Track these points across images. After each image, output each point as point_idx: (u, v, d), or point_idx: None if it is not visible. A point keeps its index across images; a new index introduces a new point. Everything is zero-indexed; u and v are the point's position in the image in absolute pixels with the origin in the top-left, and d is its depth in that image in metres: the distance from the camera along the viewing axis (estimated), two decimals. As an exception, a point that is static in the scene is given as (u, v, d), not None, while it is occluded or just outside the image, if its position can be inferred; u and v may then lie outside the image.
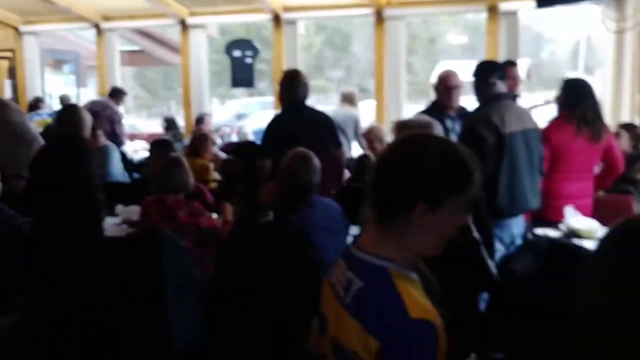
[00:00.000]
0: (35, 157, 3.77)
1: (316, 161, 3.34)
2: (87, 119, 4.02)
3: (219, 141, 8.69)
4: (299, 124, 4.16)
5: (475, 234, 2.86)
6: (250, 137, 7.89)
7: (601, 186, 4.42)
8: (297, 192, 3.31)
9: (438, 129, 2.81)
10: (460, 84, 4.23)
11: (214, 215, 4.28)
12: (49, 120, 8.85)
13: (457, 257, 2.59)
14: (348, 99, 7.26)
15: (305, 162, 3.30)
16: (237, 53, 8.32)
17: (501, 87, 3.73)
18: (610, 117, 6.45)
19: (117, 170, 6.56)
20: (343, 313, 1.44)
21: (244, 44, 8.49)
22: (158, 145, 5.08)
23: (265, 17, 8.18)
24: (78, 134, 3.91)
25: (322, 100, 28.49)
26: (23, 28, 9.19)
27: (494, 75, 3.70)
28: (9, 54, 9.20)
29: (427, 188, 1.39)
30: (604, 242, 1.08)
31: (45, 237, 3.62)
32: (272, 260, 3.23)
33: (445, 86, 4.22)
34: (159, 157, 4.62)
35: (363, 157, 5.20)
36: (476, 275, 2.72)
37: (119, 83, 9.00)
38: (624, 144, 5.15)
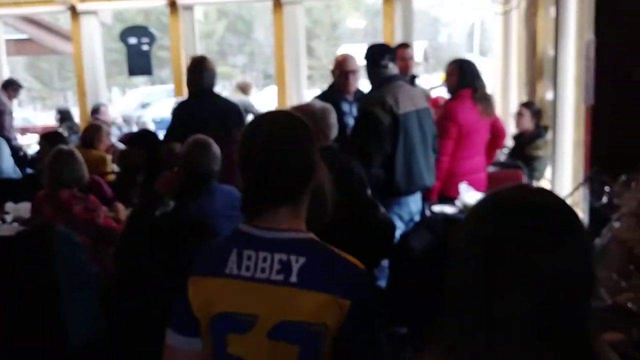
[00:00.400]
0: None
1: (215, 148, 3.29)
2: None
3: (116, 132, 8.41)
4: (206, 110, 4.10)
5: (369, 194, 2.95)
6: (151, 126, 7.67)
7: (490, 157, 4.63)
8: (197, 180, 3.26)
9: (333, 115, 2.84)
10: (356, 67, 4.28)
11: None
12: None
13: (356, 221, 2.65)
14: (241, 88, 7.28)
15: (205, 149, 3.25)
16: (132, 40, 8.04)
17: (393, 69, 3.81)
18: (500, 96, 6.75)
19: (8, 166, 6.21)
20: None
21: (139, 30, 8.22)
22: (49, 138, 4.83)
23: (161, 3, 7.95)
24: None
25: (227, 87, 28.19)
26: None
27: (385, 58, 3.77)
28: None
29: (315, 158, 1.51)
30: (477, 210, 1.10)
31: None
32: (172, 252, 3.16)
33: (342, 70, 4.26)
34: (50, 150, 4.39)
35: None
36: (376, 238, 2.79)
37: (6, 74, 8.50)
38: (527, 122, 5.38)
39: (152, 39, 8.04)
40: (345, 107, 4.27)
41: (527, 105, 5.59)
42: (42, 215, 3.61)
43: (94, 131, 5.58)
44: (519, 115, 5.46)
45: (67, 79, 29.08)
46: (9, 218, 4.25)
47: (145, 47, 7.98)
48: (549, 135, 5.11)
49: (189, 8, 7.86)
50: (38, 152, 4.99)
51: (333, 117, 2.90)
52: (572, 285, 0.99)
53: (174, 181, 3.33)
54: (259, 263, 1.46)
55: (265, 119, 1.60)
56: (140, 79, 27.57)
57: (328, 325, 1.40)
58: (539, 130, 5.35)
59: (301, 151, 1.49)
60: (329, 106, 2.78)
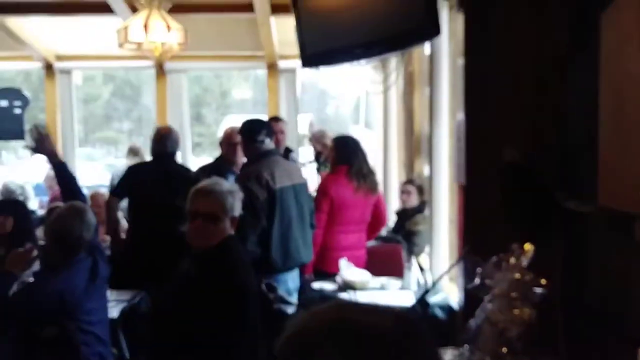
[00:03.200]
0: None
1: (91, 216, 3.16)
2: None
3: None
4: (158, 173, 4.31)
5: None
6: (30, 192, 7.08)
7: (370, 237, 4.63)
8: (65, 248, 3.04)
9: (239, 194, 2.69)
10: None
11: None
12: None
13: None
14: (134, 152, 7.05)
15: (79, 216, 3.13)
16: (3, 103, 7.55)
17: (269, 144, 3.79)
18: (380, 171, 6.87)
19: None
20: None
21: (11, 92, 7.72)
22: None
23: (36, 65, 7.57)
24: None
25: (112, 152, 27.33)
26: None
27: (261, 134, 3.77)
28: None
29: None
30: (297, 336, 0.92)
31: None
32: (27, 334, 2.88)
33: (229, 142, 4.25)
34: None
35: None
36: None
37: None
38: (413, 199, 5.42)
39: (25, 102, 7.58)
40: (232, 179, 4.18)
41: (412, 182, 5.68)
42: None
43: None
44: (406, 193, 5.49)
45: None
46: None
47: (17, 111, 7.49)
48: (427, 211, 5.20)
49: (66, 72, 7.53)
50: None
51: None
52: None
53: (26, 258, 3.06)
54: None
55: None
56: (18, 142, 26.22)
57: None
58: (420, 206, 5.43)
59: None
60: (235, 187, 2.66)
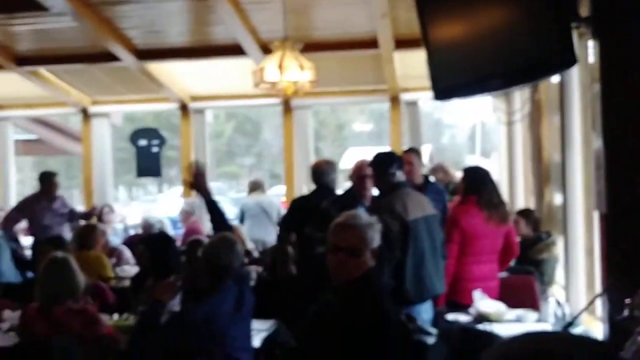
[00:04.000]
0: None
1: (240, 247, 3.36)
2: None
3: (121, 234, 8.34)
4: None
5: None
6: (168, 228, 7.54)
7: (501, 268, 4.54)
8: (215, 275, 3.23)
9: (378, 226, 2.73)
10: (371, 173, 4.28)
11: (115, 317, 3.99)
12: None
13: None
14: (260, 187, 7.31)
15: (230, 246, 3.31)
16: (142, 142, 8.16)
17: (400, 176, 3.83)
18: (507, 199, 6.72)
19: (8, 269, 6.09)
20: None
21: (150, 132, 8.36)
22: (46, 244, 4.67)
23: (172, 106, 8.13)
24: None
25: (234, 187, 28.44)
26: None
27: (393, 166, 3.82)
28: None
29: None
30: None
31: None
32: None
33: (359, 175, 4.28)
34: (45, 257, 4.19)
35: (279, 247, 5.10)
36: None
37: (12, 174, 8.57)
38: (523, 228, 5.33)
39: (162, 141, 8.17)
40: (362, 212, 4.25)
41: (522, 213, 5.57)
42: (33, 330, 3.39)
43: (88, 232, 5.50)
44: (515, 223, 5.40)
45: (74, 178, 29.36)
46: (4, 327, 4.08)
47: (155, 149, 8.08)
48: (551, 239, 5.07)
49: (200, 111, 8.02)
50: (34, 257, 4.85)
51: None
52: None
53: (174, 287, 3.27)
54: None
55: None
56: (147, 179, 27.96)
57: None
58: (539, 234, 5.30)
59: None
60: (374, 219, 2.69)
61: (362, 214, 2.67)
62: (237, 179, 29.89)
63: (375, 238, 2.60)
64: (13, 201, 8.55)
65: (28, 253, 7.08)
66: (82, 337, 3.32)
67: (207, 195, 3.84)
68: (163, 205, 16.16)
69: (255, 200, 7.02)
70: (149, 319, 3.06)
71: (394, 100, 7.53)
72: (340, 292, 2.58)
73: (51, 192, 6.56)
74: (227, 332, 3.16)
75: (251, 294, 3.36)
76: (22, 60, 6.80)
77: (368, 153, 4.61)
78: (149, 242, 5.07)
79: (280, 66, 5.05)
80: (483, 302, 3.79)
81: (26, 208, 6.49)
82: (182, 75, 7.53)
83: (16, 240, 7.07)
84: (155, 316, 3.05)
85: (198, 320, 3.11)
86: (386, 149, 6.16)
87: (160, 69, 7.20)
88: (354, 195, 4.34)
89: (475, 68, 3.00)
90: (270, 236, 6.66)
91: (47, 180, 6.57)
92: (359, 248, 2.52)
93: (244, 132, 31.52)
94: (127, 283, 5.29)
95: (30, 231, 6.27)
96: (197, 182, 3.80)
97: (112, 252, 6.03)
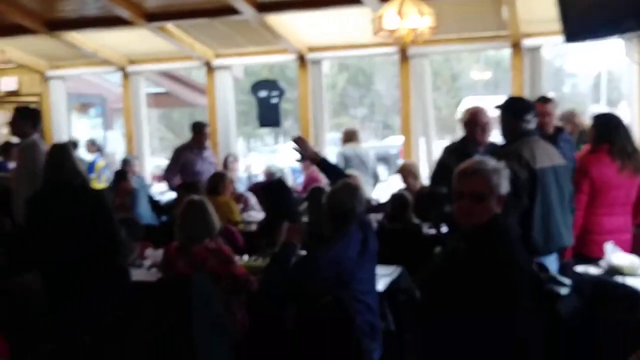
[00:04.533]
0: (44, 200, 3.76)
1: (362, 191, 3.45)
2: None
3: (245, 182, 8.71)
4: None
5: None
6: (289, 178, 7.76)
7: (635, 221, 4.31)
8: (337, 220, 3.32)
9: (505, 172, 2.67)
10: (489, 120, 4.18)
11: (245, 258, 4.22)
12: (102, 163, 8.97)
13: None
14: (356, 136, 7.20)
15: (352, 190, 3.41)
16: (263, 93, 8.38)
17: (532, 124, 3.70)
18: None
19: (145, 212, 6.57)
20: None
21: (269, 84, 8.56)
22: (185, 189, 5.01)
23: (290, 58, 8.25)
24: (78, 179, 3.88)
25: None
26: (49, 73, 9.33)
27: (528, 113, 3.68)
28: (35, 99, 9.36)
29: None
30: None
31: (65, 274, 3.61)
32: (304, 301, 3.19)
33: (476, 122, 4.16)
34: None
35: (400, 196, 5.14)
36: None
37: (145, 125, 9.11)
38: None
39: (281, 92, 8.34)
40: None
41: None
42: (175, 268, 3.68)
43: (218, 179, 5.80)
44: None
45: (197, 130, 30.70)
46: (146, 263, 4.45)
47: (274, 100, 8.28)
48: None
49: (317, 62, 8.09)
50: (175, 202, 5.21)
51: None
52: None
53: (300, 231, 3.40)
54: None
55: None
56: (264, 130, 28.70)
57: None
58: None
59: None
60: (501, 165, 2.63)
61: (487, 160, 2.61)
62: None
63: (503, 184, 2.54)
64: (147, 152, 9.13)
65: (162, 199, 7.59)
66: (217, 275, 3.54)
67: (315, 159, 3.94)
68: (282, 155, 16.58)
69: (353, 150, 6.98)
70: (281, 260, 3.19)
71: (516, 47, 7.20)
72: (467, 237, 2.57)
73: (202, 141, 6.88)
74: (353, 275, 3.25)
75: (375, 239, 3.42)
76: (151, 17, 7.12)
77: (486, 102, 4.46)
78: (266, 190, 5.30)
79: (399, 12, 4.98)
80: (615, 255, 3.65)
81: (179, 157, 6.80)
82: (300, 27, 7.60)
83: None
84: (287, 257, 3.18)
85: (325, 265, 3.20)
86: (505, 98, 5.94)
87: (279, 20, 7.29)
88: (469, 144, 4.18)
89: (610, 8, 2.83)
90: (368, 186, 6.66)
91: (199, 130, 6.87)
92: (483, 193, 2.49)
93: (356, 84, 31.43)
94: (253, 227, 5.56)
95: (181, 178, 6.63)
96: (304, 152, 3.91)
97: (239, 198, 6.33)
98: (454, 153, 4.16)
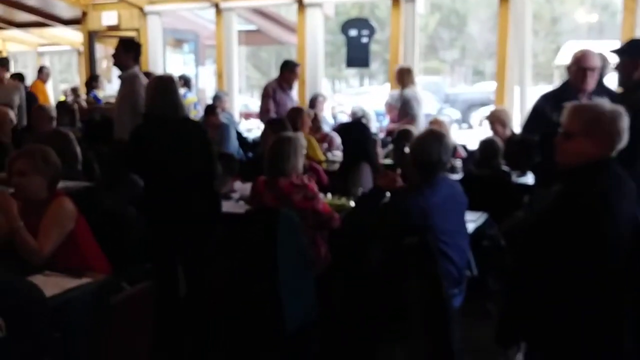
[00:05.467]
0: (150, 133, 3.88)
1: (448, 140, 3.34)
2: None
3: (331, 120, 8.72)
4: None
5: None
6: (373, 118, 7.68)
7: None
8: (425, 169, 3.28)
9: (624, 119, 2.40)
10: (596, 65, 3.90)
11: (329, 196, 4.26)
12: (194, 98, 9.19)
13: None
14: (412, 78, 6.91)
15: (437, 140, 3.30)
16: (353, 32, 8.24)
17: None
18: None
19: (233, 147, 6.72)
20: None
21: (360, 23, 8.40)
22: (273, 125, 5.06)
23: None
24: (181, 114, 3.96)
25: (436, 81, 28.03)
26: (147, 8, 9.55)
27: None
28: (134, 33, 9.63)
29: None
30: None
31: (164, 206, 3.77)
32: (389, 242, 3.19)
33: (580, 67, 3.90)
34: (272, 137, 4.56)
35: (490, 142, 5.00)
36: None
37: (235, 63, 9.21)
38: None
39: (372, 31, 8.17)
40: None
41: None
42: (262, 200, 3.76)
43: (295, 114, 5.79)
44: None
45: (283, 68, 30.83)
46: (235, 196, 4.58)
47: (364, 40, 8.13)
48: None
49: (411, 1, 7.84)
50: (262, 137, 5.28)
51: (624, 122, 2.40)
52: None
53: (395, 178, 3.38)
54: None
55: None
56: (349, 72, 28.44)
57: None
58: None
59: None
60: (620, 109, 2.39)
61: (604, 102, 2.43)
62: (439, 74, 29.21)
63: (608, 129, 2.37)
64: (236, 89, 9.26)
65: (249, 136, 7.73)
66: (303, 210, 3.60)
67: None
68: (367, 97, 16.44)
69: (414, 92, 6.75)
70: (368, 203, 3.19)
71: (629, -15, 6.67)
72: (565, 176, 2.45)
73: (291, 80, 6.87)
74: (439, 224, 3.20)
75: (463, 195, 3.37)
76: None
77: (592, 47, 4.17)
78: (345, 130, 5.28)
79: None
80: None
81: (269, 94, 6.78)
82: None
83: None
84: (373, 200, 3.18)
85: (412, 210, 3.17)
86: (614, 43, 5.50)
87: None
88: (569, 90, 3.94)
89: None
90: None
91: (292, 69, 6.85)
92: (571, 131, 2.36)
93: (448, 25, 30.42)
94: (336, 167, 5.57)
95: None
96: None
97: (324, 137, 6.34)
98: (550, 100, 3.97)
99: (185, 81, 8.77)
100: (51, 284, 2.56)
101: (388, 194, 3.40)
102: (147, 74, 5.66)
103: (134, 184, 3.97)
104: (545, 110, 3.98)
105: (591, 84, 3.91)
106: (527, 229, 2.67)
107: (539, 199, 3.42)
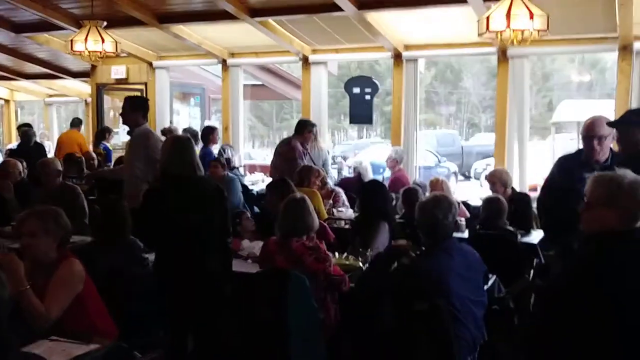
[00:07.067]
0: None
1: (452, 205, 3.39)
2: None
3: (335, 174, 8.79)
4: None
5: None
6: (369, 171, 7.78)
7: None
8: (433, 235, 3.31)
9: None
10: (604, 133, 3.74)
11: (336, 255, 4.26)
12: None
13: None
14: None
15: (440, 205, 3.36)
16: (356, 90, 8.44)
17: None
18: None
19: (238, 201, 6.74)
20: None
21: (363, 81, 8.61)
22: (277, 186, 5.07)
23: (385, 55, 8.24)
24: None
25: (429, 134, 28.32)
26: (156, 63, 9.79)
27: None
28: (141, 87, 9.82)
29: None
30: None
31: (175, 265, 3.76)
32: (401, 307, 3.20)
33: (588, 135, 3.76)
34: (278, 198, 4.53)
35: (496, 200, 5.07)
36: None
37: (241, 116, 9.37)
38: None
39: (374, 89, 8.36)
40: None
41: None
42: (274, 262, 3.76)
43: (306, 172, 5.92)
44: None
45: (284, 120, 31.26)
46: (243, 254, 4.57)
47: (367, 97, 8.31)
48: None
49: (412, 60, 8.04)
50: (266, 198, 5.29)
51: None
52: None
53: (407, 247, 3.43)
54: None
55: None
56: (348, 123, 28.76)
57: None
58: None
59: None
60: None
61: (627, 173, 2.43)
62: (435, 127, 29.58)
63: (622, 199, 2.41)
64: (241, 142, 9.38)
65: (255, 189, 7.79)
66: (314, 272, 3.60)
67: None
68: (366, 150, 16.60)
69: None
70: (383, 263, 3.23)
71: (625, 50, 6.85)
72: (584, 247, 2.49)
73: (310, 140, 7.11)
74: (458, 289, 3.22)
75: (479, 262, 3.42)
76: (255, 12, 7.30)
77: (584, 106, 4.22)
78: (363, 188, 5.32)
79: (507, 15, 4.83)
80: None
81: (301, 156, 6.91)
82: (398, 25, 7.57)
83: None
84: (389, 261, 3.22)
85: (424, 273, 3.21)
86: (607, 102, 5.60)
87: (378, 17, 7.30)
88: (580, 159, 3.82)
89: None
90: None
91: (309, 129, 7.13)
92: (589, 202, 2.39)
93: (444, 80, 30.96)
94: (342, 224, 5.60)
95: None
96: None
97: (330, 194, 6.37)
98: (562, 166, 3.95)
99: (192, 135, 8.86)
100: (58, 352, 2.47)
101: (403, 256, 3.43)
102: (164, 132, 5.73)
103: (132, 244, 3.91)
104: (556, 177, 3.98)
105: (602, 153, 3.79)
106: (545, 295, 2.69)
107: (554, 264, 3.44)
